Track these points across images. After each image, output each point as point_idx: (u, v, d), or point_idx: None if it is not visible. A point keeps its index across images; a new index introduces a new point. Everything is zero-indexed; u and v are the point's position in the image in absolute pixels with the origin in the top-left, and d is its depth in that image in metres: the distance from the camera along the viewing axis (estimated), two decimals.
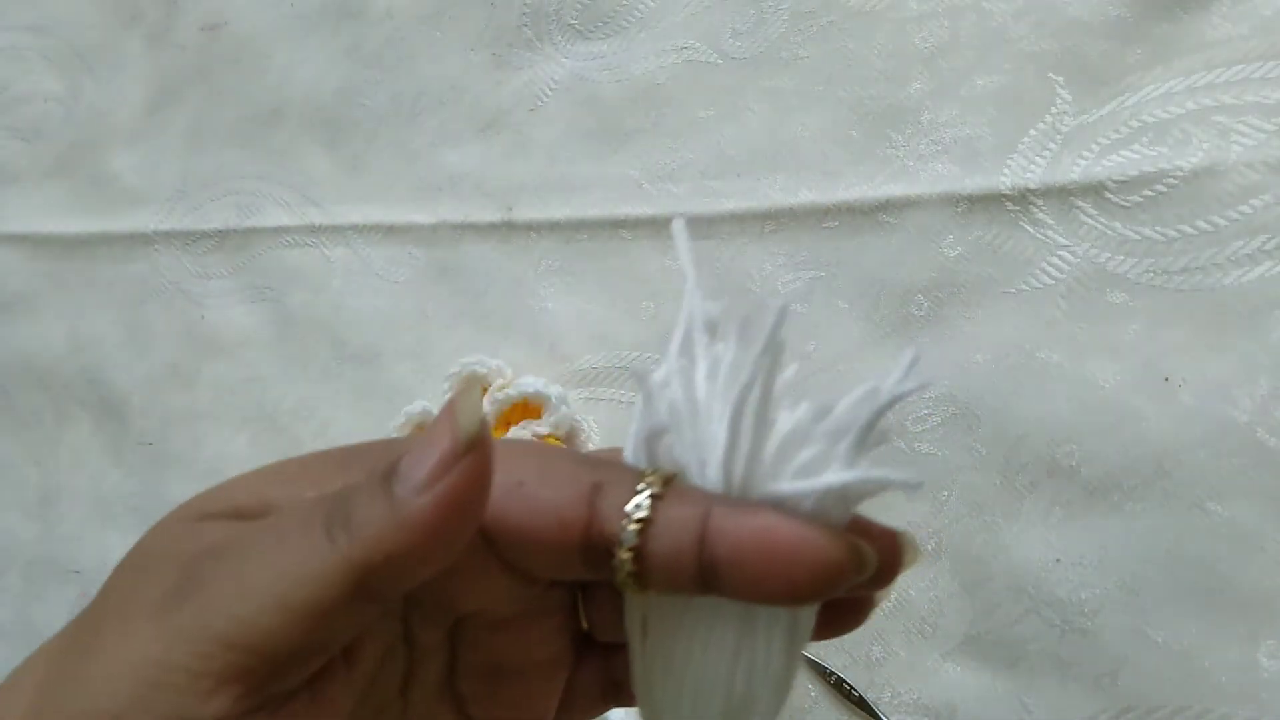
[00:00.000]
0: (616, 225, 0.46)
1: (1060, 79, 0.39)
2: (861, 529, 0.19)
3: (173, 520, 0.20)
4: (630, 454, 0.20)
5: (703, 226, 0.44)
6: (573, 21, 0.49)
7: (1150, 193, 0.36)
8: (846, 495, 0.18)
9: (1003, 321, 0.39)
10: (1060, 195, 0.38)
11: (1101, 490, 0.36)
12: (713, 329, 0.20)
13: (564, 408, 0.45)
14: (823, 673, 0.40)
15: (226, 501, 0.20)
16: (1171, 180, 0.36)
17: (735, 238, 0.43)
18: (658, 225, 0.45)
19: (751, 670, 0.19)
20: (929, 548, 0.39)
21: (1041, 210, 0.38)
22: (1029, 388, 0.38)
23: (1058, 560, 0.37)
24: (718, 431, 0.18)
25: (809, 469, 0.18)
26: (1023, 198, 0.38)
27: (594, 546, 0.18)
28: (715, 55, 0.45)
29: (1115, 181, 0.37)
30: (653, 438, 0.19)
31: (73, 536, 0.58)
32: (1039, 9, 0.39)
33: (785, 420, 0.19)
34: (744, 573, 0.17)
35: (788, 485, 0.18)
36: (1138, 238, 0.37)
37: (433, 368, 0.49)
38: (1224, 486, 0.35)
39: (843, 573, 0.17)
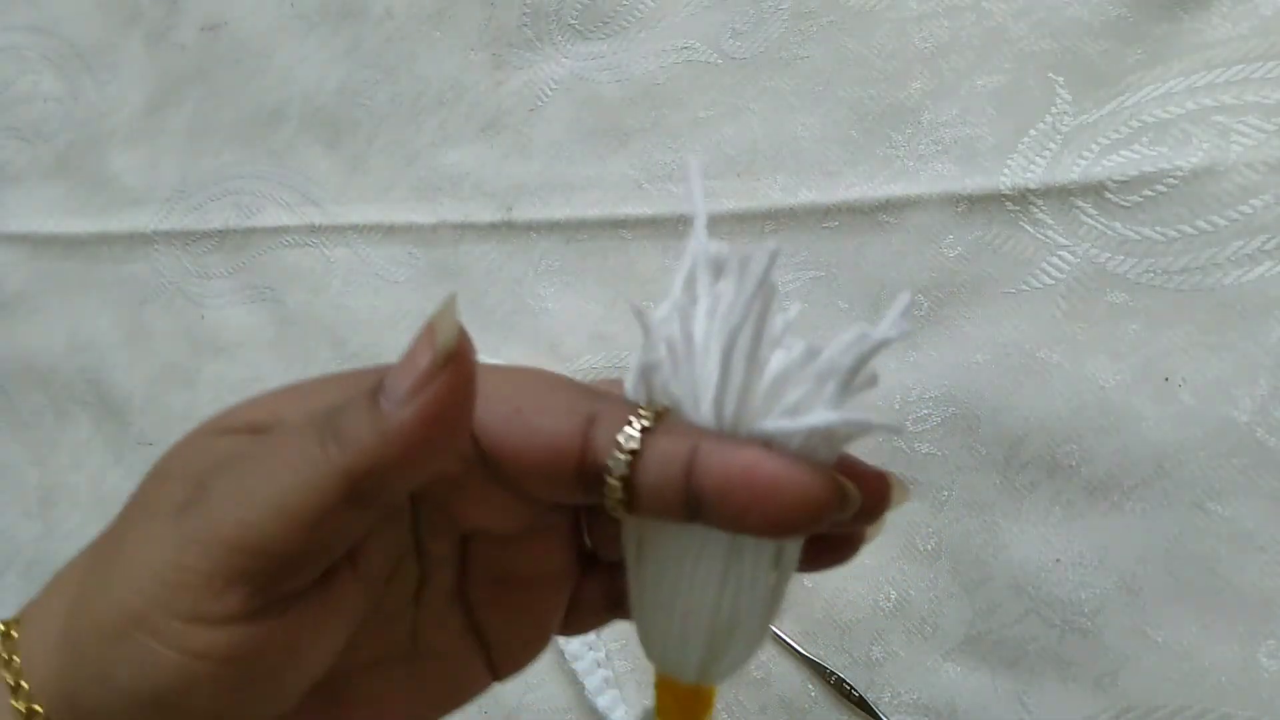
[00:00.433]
0: (616, 225, 0.46)
1: (1060, 79, 0.39)
2: (849, 467, 0.20)
3: (194, 435, 0.21)
4: (630, 388, 0.21)
5: None
6: (573, 21, 0.49)
7: (1150, 193, 0.36)
8: (833, 435, 0.19)
9: (1003, 321, 0.39)
10: (1060, 195, 0.38)
11: (1101, 490, 0.36)
12: (718, 268, 0.20)
13: None
14: (823, 673, 0.40)
15: (242, 418, 0.21)
16: (1171, 180, 0.36)
17: (735, 238, 0.43)
18: (658, 225, 0.45)
19: (737, 596, 0.20)
20: (929, 548, 0.39)
21: (1041, 210, 0.38)
22: (1029, 388, 0.38)
23: (1058, 560, 0.37)
24: (711, 369, 0.19)
25: (797, 408, 0.19)
26: (1023, 198, 0.38)
27: (587, 474, 0.19)
28: (715, 55, 0.45)
29: (1115, 181, 0.37)
30: (650, 372, 0.20)
31: (73, 536, 0.58)
32: (1039, 9, 0.39)
33: (778, 360, 0.19)
34: (728, 505, 0.18)
35: (774, 423, 0.19)
36: (1138, 238, 0.37)
37: None
38: (1224, 486, 0.35)
39: (824, 508, 0.18)
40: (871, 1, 0.42)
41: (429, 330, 0.18)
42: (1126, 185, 0.37)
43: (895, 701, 0.39)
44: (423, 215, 0.51)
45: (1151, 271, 0.36)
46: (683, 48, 0.46)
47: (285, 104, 0.56)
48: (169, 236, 0.58)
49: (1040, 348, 0.38)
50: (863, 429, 0.19)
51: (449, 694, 0.24)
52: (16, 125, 0.64)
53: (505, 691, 0.46)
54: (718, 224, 0.44)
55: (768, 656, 0.41)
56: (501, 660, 0.24)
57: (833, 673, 0.40)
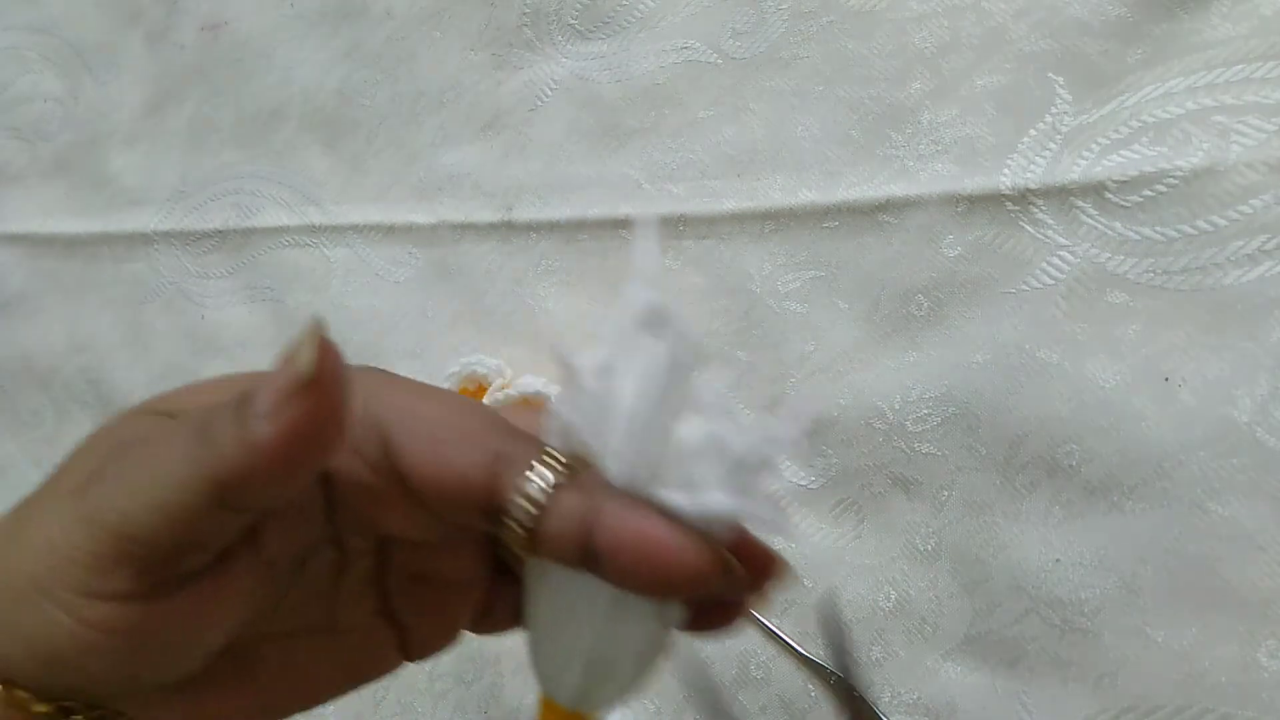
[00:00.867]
0: (616, 225, 0.46)
1: (1060, 79, 0.39)
2: (742, 544, 0.21)
3: (127, 411, 0.22)
4: (548, 426, 0.21)
5: (703, 226, 0.44)
6: (573, 21, 0.49)
7: (1150, 193, 0.36)
8: (729, 516, 0.20)
9: (1003, 321, 0.39)
10: (1060, 195, 0.38)
11: (1101, 490, 0.36)
12: (654, 322, 0.20)
13: None
14: (823, 673, 0.40)
15: (169, 402, 0.22)
16: (1171, 180, 0.36)
17: (735, 238, 0.43)
18: (658, 225, 0.45)
19: (616, 640, 0.21)
20: (929, 548, 0.39)
21: (1041, 210, 0.38)
22: (1029, 388, 0.38)
23: (1058, 560, 0.37)
24: (624, 428, 0.20)
25: (698, 485, 0.20)
26: (1023, 198, 0.38)
27: (492, 511, 0.20)
28: (715, 55, 0.45)
29: (1115, 181, 0.37)
30: (566, 418, 0.21)
31: None
32: (1039, 9, 0.39)
33: (695, 428, 0.20)
34: (618, 564, 0.19)
35: (672, 496, 0.20)
36: (1138, 238, 0.37)
37: (433, 367, 0.49)
38: (1224, 486, 0.35)
39: (705, 580, 0.19)
40: (871, 1, 0.42)
41: (290, 355, 0.18)
42: (1126, 185, 0.37)
43: (895, 701, 0.39)
44: (423, 215, 0.51)
45: (1151, 271, 0.36)
46: (683, 48, 0.46)
47: (285, 104, 0.56)
48: (169, 236, 0.58)
49: (1040, 348, 0.38)
50: (753, 519, 0.20)
51: (362, 668, 0.24)
52: (16, 125, 0.64)
53: (505, 692, 0.46)
54: (718, 224, 0.44)
55: (768, 656, 0.41)
56: (413, 645, 0.25)
57: (833, 673, 0.40)
